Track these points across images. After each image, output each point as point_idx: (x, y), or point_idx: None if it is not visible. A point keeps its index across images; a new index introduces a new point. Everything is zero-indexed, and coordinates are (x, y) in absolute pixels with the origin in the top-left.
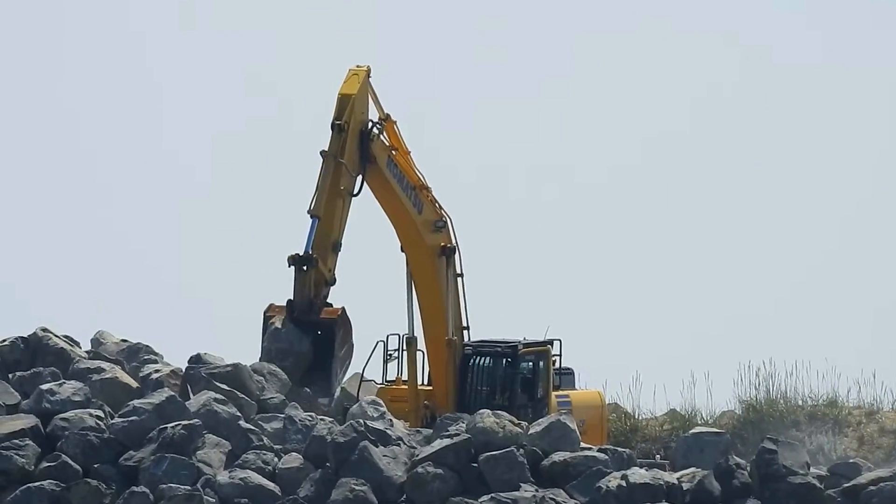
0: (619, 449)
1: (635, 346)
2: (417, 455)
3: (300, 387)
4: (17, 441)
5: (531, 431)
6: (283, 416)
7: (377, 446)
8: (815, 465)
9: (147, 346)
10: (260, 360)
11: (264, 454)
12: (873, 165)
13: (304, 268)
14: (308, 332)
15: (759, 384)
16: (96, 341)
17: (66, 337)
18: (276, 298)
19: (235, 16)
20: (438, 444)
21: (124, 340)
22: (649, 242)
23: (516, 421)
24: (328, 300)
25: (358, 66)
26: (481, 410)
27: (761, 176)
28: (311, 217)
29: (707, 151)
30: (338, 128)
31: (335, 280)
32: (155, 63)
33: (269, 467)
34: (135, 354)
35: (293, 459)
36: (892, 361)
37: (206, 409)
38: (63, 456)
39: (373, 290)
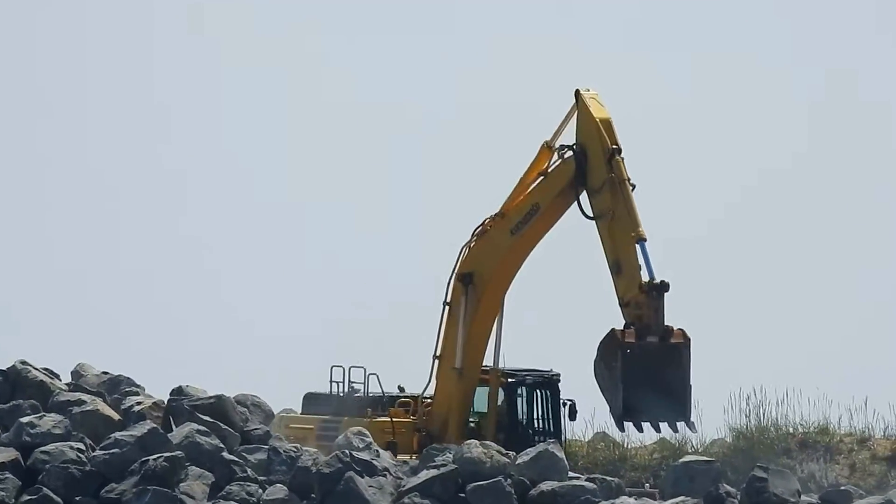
0: (608, 478)
1: None
2: (404, 486)
3: (647, 418)
4: None
5: (518, 461)
6: (267, 447)
7: (363, 477)
8: (806, 493)
9: (128, 378)
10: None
11: (248, 485)
12: (870, 188)
13: (660, 294)
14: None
15: (749, 412)
16: (76, 373)
17: (46, 370)
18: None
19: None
20: (425, 474)
21: (105, 373)
22: None
23: (504, 451)
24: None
25: (587, 90)
26: (469, 441)
27: (757, 203)
28: (641, 241)
29: (727, 176)
30: (618, 151)
31: None
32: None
33: (254, 499)
34: (116, 386)
35: (278, 490)
36: (883, 388)
37: (189, 441)
38: (44, 489)
39: None
